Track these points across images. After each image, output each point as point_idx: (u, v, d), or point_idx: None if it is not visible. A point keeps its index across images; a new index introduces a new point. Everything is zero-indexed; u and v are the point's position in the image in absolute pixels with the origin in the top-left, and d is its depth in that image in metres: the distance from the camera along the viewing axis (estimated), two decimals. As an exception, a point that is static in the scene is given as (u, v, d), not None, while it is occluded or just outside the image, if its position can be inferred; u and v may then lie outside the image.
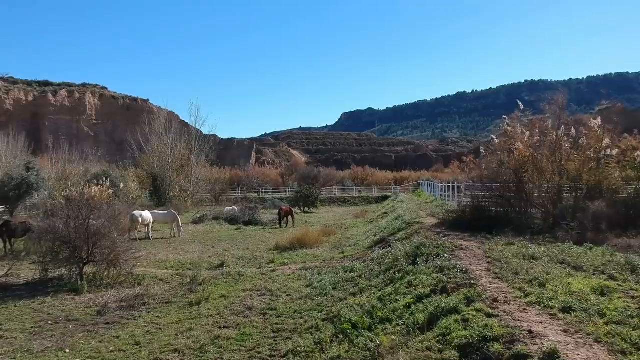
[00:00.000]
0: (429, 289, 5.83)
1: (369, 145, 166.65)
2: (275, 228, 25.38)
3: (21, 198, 27.09)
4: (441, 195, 27.07)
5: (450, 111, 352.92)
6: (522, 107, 14.13)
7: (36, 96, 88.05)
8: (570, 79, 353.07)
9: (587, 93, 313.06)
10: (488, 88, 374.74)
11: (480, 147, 15.20)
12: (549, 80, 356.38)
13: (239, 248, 18.21)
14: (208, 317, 8.53)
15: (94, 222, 12.02)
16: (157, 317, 8.95)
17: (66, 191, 24.39)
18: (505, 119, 14.59)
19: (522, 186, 13.09)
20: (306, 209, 38.94)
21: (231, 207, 30.10)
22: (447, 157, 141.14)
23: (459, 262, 6.97)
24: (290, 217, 26.22)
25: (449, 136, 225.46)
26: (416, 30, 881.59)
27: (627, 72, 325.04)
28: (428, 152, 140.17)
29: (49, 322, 8.69)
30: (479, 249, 8.88)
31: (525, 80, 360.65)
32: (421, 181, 54.82)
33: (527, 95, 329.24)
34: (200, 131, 44.77)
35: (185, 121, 51.38)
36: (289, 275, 12.07)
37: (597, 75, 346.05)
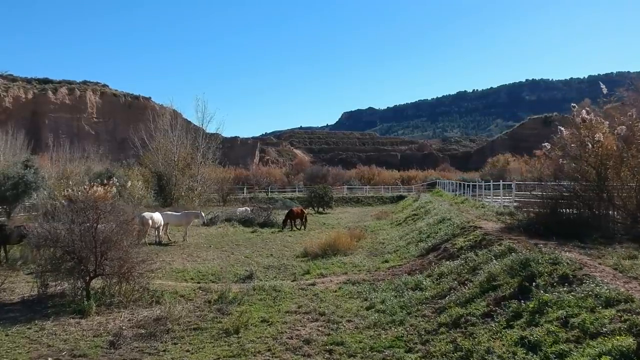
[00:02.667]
0: (630, 340, 3.87)
1: (372, 144, 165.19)
2: (294, 230, 23.51)
3: (19, 198, 25.09)
4: (472, 195, 25.14)
5: (451, 110, 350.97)
6: (605, 90, 12.17)
7: (36, 94, 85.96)
8: (572, 78, 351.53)
9: (588, 92, 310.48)
10: (489, 87, 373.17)
11: (545, 143, 13.18)
12: (550, 79, 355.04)
13: (262, 254, 16.28)
14: (256, 355, 6.56)
15: (102, 227, 10.07)
16: (187, 351, 6.99)
17: (67, 190, 22.47)
18: (575, 107, 12.61)
19: (604, 185, 11.14)
20: (320, 209, 37.01)
21: (244, 208, 28.20)
22: (453, 156, 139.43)
23: (630, 292, 5.04)
24: (302, 220, 24.13)
25: (451, 135, 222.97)
26: (416, 30, 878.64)
27: (628, 72, 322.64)
28: (434, 152, 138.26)
29: (49, 360, 6.75)
30: (599, 263, 6.95)
31: (526, 80, 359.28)
32: (438, 180, 52.80)
33: (528, 95, 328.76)
34: (204, 130, 42.74)
35: (189, 120, 49.17)
36: (335, 291, 10.12)
37: (598, 75, 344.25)
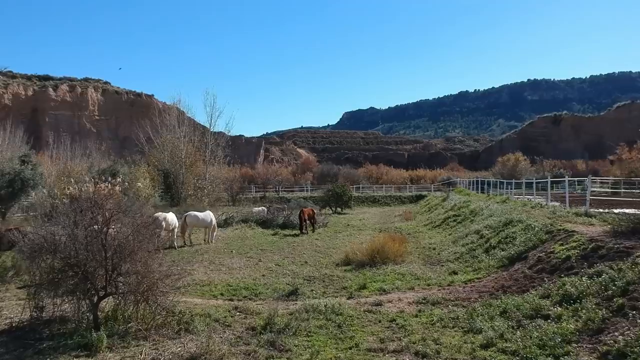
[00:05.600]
0: None
1: (376, 143, 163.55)
2: (320, 233, 21.26)
3: (15, 197, 22.85)
4: (514, 194, 22.83)
5: (453, 110, 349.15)
6: None
7: (36, 91, 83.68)
8: (573, 78, 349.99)
9: (589, 92, 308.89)
10: (490, 87, 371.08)
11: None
12: (552, 79, 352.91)
13: (295, 262, 14.00)
14: None
15: (114, 232, 7.80)
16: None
17: (69, 189, 20.22)
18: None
19: None
20: (338, 209, 34.67)
21: (260, 208, 25.95)
22: (461, 155, 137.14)
23: None
24: (311, 221, 21.76)
25: (453, 135, 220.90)
26: (418, 30, 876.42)
27: (630, 72, 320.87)
28: (441, 151, 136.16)
29: None
30: None
31: (528, 80, 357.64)
32: (458, 179, 50.47)
33: (530, 95, 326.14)
34: (213, 126, 40.34)
35: (192, 118, 46.56)
36: (416, 315, 7.82)
37: (600, 75, 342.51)
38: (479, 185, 32.40)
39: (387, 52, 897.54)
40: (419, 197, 43.05)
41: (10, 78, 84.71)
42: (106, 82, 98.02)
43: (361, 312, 8.15)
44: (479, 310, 7.40)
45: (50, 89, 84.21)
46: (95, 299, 7.54)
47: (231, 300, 9.50)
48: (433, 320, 7.37)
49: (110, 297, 7.69)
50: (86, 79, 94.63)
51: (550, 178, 22.80)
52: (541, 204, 16.60)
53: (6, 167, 21.99)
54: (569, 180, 19.99)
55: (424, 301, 8.56)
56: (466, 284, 9.71)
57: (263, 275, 11.90)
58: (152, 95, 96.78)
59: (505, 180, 26.68)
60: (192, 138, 37.49)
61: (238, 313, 8.39)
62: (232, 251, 15.74)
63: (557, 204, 16.56)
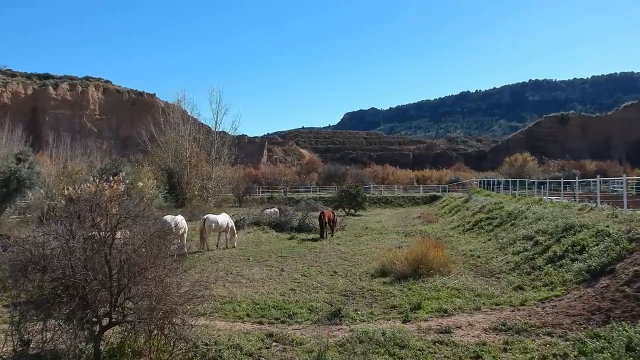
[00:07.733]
0: None
1: (379, 144, 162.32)
2: (339, 237, 19.63)
3: (11, 198, 21.24)
4: (548, 194, 21.18)
5: (454, 111, 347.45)
6: None
7: (36, 89, 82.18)
8: (575, 78, 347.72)
9: (591, 93, 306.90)
10: (492, 88, 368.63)
11: None
12: (553, 80, 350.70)
13: (322, 271, 12.36)
14: None
15: (120, 241, 6.17)
16: None
17: (68, 189, 18.59)
18: None
19: None
20: (352, 210, 33.01)
21: (273, 209, 24.31)
22: (467, 155, 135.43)
23: None
24: (331, 224, 20.03)
25: (455, 135, 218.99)
26: (418, 29, 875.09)
27: (632, 72, 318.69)
28: (447, 151, 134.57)
29: None
30: None
31: (530, 80, 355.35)
32: (472, 180, 48.81)
33: (531, 95, 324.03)
34: (219, 124, 38.67)
35: (197, 118, 44.73)
36: (504, 349, 6.12)
37: (602, 75, 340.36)
38: (496, 185, 30.85)
39: (388, 52, 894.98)
40: (434, 198, 41.37)
41: (10, 77, 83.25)
42: (107, 81, 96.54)
43: (430, 344, 6.50)
44: (589, 344, 5.74)
45: (51, 88, 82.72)
46: (97, 329, 5.92)
47: (261, 323, 7.85)
48: (532, 358, 5.72)
49: (117, 326, 6.07)
50: (87, 78, 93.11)
51: (568, 178, 21.23)
52: (589, 206, 14.94)
53: (1, 165, 20.36)
54: (594, 180, 18.35)
55: (503, 327, 6.92)
56: (543, 303, 8.06)
57: (292, 290, 10.24)
58: (154, 94, 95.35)
59: (535, 181, 25.00)
60: (197, 137, 35.98)
61: (274, 343, 6.73)
62: (249, 258, 14.10)
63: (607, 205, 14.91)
